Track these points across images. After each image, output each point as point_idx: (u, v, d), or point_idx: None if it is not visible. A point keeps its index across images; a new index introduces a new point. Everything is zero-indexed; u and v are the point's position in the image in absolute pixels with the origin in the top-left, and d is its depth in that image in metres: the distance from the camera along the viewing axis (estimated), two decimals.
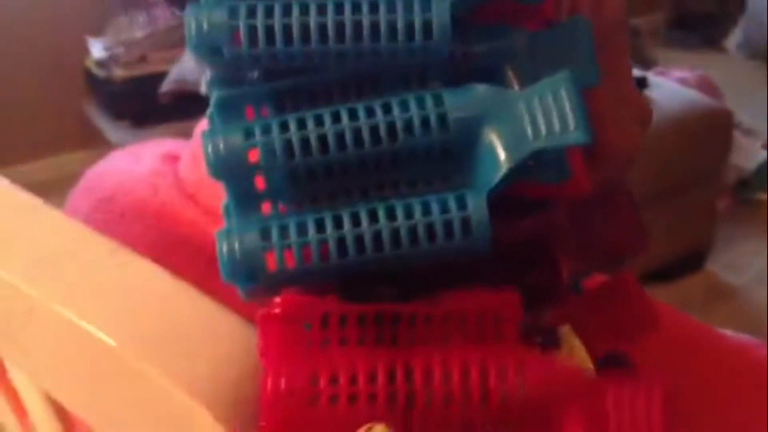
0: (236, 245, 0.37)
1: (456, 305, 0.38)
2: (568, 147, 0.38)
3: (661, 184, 2.17)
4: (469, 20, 0.41)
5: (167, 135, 0.71)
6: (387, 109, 0.39)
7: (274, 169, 0.39)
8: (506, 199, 0.39)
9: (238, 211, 0.40)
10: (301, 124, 0.39)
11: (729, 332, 0.62)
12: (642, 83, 2.27)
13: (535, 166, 0.39)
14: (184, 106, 2.34)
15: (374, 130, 0.38)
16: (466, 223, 0.38)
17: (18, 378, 0.55)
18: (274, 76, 0.41)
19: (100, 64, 2.57)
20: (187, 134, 0.70)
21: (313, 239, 0.38)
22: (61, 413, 0.55)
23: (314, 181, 0.40)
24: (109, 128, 2.55)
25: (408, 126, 0.38)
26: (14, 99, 2.58)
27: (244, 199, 0.40)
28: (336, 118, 0.39)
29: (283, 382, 0.34)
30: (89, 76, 2.63)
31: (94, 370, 0.42)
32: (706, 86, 2.63)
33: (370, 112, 0.39)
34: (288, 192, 0.40)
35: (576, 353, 0.42)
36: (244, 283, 0.38)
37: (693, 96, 2.37)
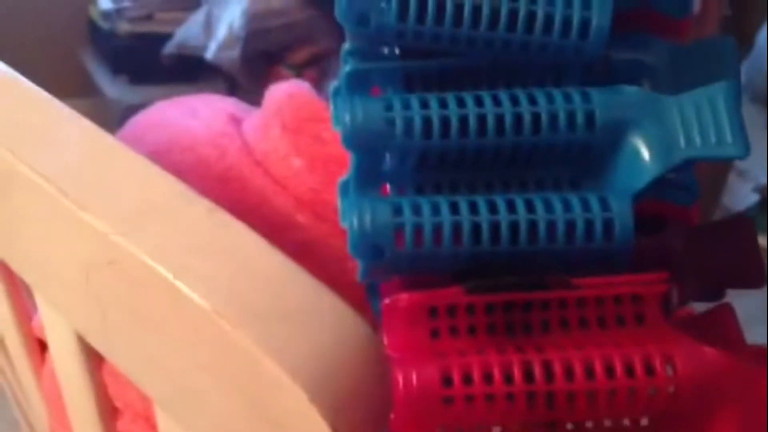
0: (368, 218, 0.35)
1: (592, 287, 0.36)
2: (720, 159, 0.36)
3: None
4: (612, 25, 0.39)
5: (165, 96, 0.68)
6: (532, 100, 0.37)
7: (409, 146, 0.37)
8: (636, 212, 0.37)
9: (358, 187, 0.38)
10: (443, 104, 0.36)
11: None
12: None
13: (667, 184, 0.38)
14: (185, 70, 2.32)
15: (518, 118, 0.36)
16: (608, 225, 0.36)
17: (51, 321, 0.52)
18: (409, 57, 0.39)
19: (106, 15, 2.52)
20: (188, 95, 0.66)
21: (447, 221, 0.35)
22: (92, 360, 0.53)
23: (443, 165, 0.38)
24: (105, 81, 2.50)
25: (553, 119, 0.37)
26: (13, 39, 2.52)
27: (367, 176, 0.38)
28: (479, 102, 0.37)
29: (414, 379, 0.32)
30: (92, 26, 2.58)
31: (175, 333, 0.39)
32: None
33: (515, 101, 0.37)
34: (413, 174, 0.38)
35: None
36: (368, 259, 0.36)
37: None
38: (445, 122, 0.36)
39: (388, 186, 0.39)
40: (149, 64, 2.42)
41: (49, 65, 2.58)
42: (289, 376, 0.34)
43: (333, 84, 0.39)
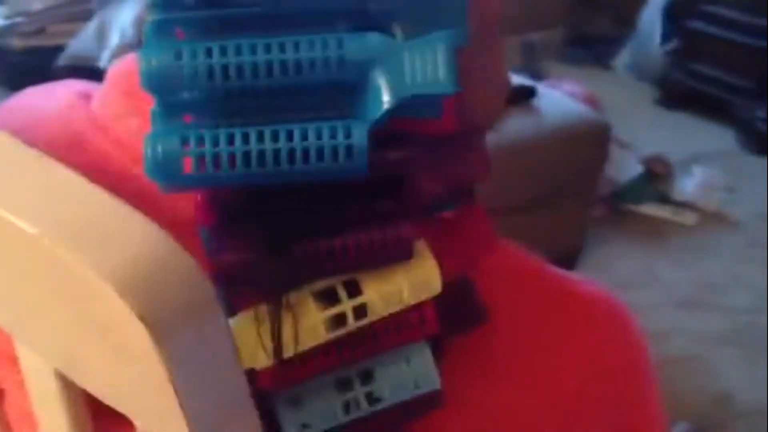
0: (159, 148, 0.44)
1: None
2: (435, 94, 0.46)
3: (541, 188, 2.29)
4: None
5: None
6: (296, 47, 0.46)
7: (195, 88, 0.45)
8: (382, 131, 0.47)
9: (163, 118, 0.46)
10: (223, 52, 0.45)
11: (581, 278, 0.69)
12: (531, 92, 2.39)
13: (414, 103, 0.47)
14: (80, 80, 2.34)
15: (284, 64, 0.46)
16: (350, 149, 0.46)
17: None
18: (203, 6, 0.49)
19: None
20: None
21: (223, 150, 0.45)
22: None
23: (229, 100, 0.47)
24: (2, 98, 2.52)
25: (312, 63, 0.45)
26: None
27: (169, 109, 0.47)
28: (253, 50, 0.45)
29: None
30: None
31: (8, 259, 0.47)
32: (590, 101, 2.78)
33: (283, 48, 0.46)
34: (207, 107, 0.47)
35: (425, 263, 0.49)
36: (162, 181, 0.44)
37: (576, 108, 2.51)
38: (224, 68, 0.46)
39: (189, 115, 0.48)
40: (45, 77, 2.44)
41: None
42: (100, 277, 0.41)
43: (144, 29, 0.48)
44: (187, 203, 0.50)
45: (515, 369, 0.57)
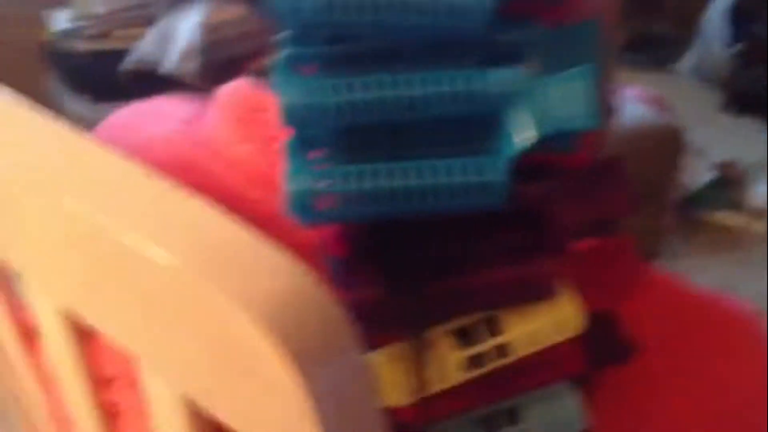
0: (294, 185, 0.43)
1: None
2: (578, 130, 0.44)
3: None
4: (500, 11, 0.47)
5: None
6: (437, 82, 0.44)
7: (337, 123, 0.44)
8: (519, 164, 0.46)
9: (297, 151, 0.45)
10: (366, 88, 0.44)
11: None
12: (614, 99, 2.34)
13: (552, 137, 0.46)
14: (144, 85, 2.35)
15: (423, 100, 0.44)
16: (487, 186, 0.45)
17: (38, 301, 0.58)
18: (335, 41, 0.47)
19: (63, 36, 2.56)
20: None
21: (354, 187, 0.44)
22: (80, 335, 0.59)
23: (361, 134, 0.46)
24: (69, 101, 2.54)
25: (454, 99, 0.45)
26: None
27: (304, 143, 0.45)
28: (395, 85, 0.45)
29: None
30: (49, 49, 2.61)
31: (145, 289, 0.46)
32: (658, 105, 2.72)
33: (424, 83, 0.45)
34: (341, 140, 0.46)
35: (568, 301, 0.47)
36: (299, 218, 0.44)
37: (645, 113, 2.45)
38: (366, 104, 0.45)
39: (321, 150, 0.46)
40: (110, 81, 2.45)
41: (11, 90, 2.62)
42: (244, 310, 0.41)
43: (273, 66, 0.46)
44: (308, 230, 0.48)
45: (669, 404, 0.55)
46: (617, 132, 2.34)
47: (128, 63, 2.77)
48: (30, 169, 0.51)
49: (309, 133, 0.46)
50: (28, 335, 0.70)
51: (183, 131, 0.64)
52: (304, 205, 0.44)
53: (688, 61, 4.04)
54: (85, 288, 0.51)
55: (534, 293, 0.47)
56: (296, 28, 0.46)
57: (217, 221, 0.44)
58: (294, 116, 0.44)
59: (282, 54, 0.46)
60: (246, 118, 0.59)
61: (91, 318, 0.53)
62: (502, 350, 0.46)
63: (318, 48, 0.47)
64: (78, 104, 2.49)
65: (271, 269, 0.42)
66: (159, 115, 0.69)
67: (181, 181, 0.60)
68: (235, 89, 0.63)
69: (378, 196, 0.44)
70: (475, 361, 0.45)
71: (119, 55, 2.60)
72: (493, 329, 0.46)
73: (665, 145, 2.39)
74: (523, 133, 0.44)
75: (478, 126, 0.46)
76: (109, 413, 0.63)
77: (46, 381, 0.70)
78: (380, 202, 0.44)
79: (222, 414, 0.47)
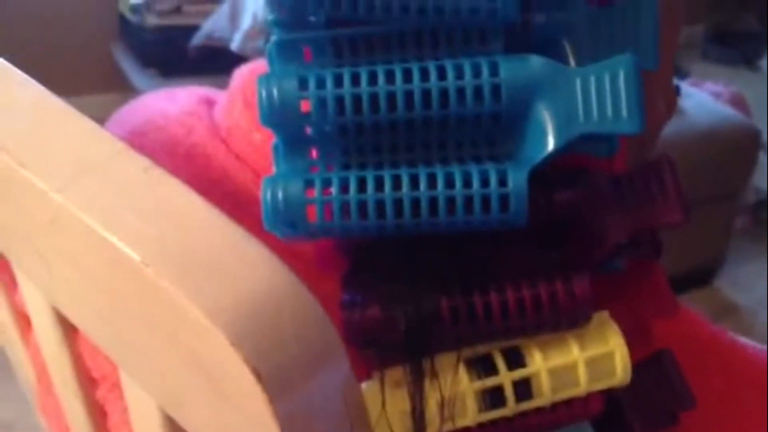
0: (280, 194, 0.37)
1: None
2: (616, 134, 0.37)
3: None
4: None
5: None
6: (442, 73, 0.38)
7: (323, 122, 0.38)
8: (546, 169, 0.39)
9: (286, 153, 0.39)
10: (355, 80, 0.38)
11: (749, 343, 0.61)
12: (675, 91, 2.25)
13: (585, 140, 0.39)
14: (213, 62, 2.33)
15: (426, 94, 0.38)
16: (504, 199, 0.37)
17: (29, 292, 0.54)
18: (334, 24, 0.41)
19: (135, 9, 2.56)
20: (215, 88, 0.69)
21: (353, 199, 0.37)
22: (67, 332, 0.55)
23: (362, 135, 0.39)
24: (136, 74, 2.53)
25: (461, 93, 0.38)
26: (43, 37, 2.57)
27: (292, 144, 0.39)
28: (390, 77, 0.38)
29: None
30: (122, 20, 2.61)
31: (112, 286, 0.41)
32: (738, 103, 2.61)
33: (425, 74, 0.38)
34: (335, 143, 0.40)
35: (609, 337, 0.41)
36: (283, 231, 0.37)
37: (723, 110, 2.35)
38: (356, 99, 0.38)
39: (315, 151, 0.40)
40: (178, 56, 2.44)
41: (80, 61, 2.63)
42: (210, 320, 0.35)
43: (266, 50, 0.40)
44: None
45: None
46: (692, 130, 2.23)
47: (197, 39, 2.75)
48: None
49: (301, 132, 0.39)
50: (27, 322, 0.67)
51: (194, 112, 0.59)
52: (293, 217, 0.38)
53: None
54: (65, 285, 0.46)
55: (564, 319, 0.40)
56: (288, 5, 0.39)
57: (196, 211, 0.39)
58: (284, 112, 0.38)
59: (272, 39, 0.40)
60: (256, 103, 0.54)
61: (73, 318, 0.49)
62: (523, 386, 0.39)
63: (314, 31, 0.40)
64: (145, 78, 2.48)
65: (248, 271, 0.37)
66: (175, 94, 0.64)
67: (184, 168, 0.56)
68: (250, 69, 0.58)
69: (381, 208, 0.37)
70: (491, 399, 0.39)
71: (189, 30, 2.59)
72: (514, 360, 0.39)
73: (742, 146, 2.29)
74: (547, 136, 0.37)
75: (502, 125, 0.39)
76: (99, 412, 0.59)
77: (39, 366, 0.67)
78: (383, 215, 0.37)
79: (192, 428, 0.42)
